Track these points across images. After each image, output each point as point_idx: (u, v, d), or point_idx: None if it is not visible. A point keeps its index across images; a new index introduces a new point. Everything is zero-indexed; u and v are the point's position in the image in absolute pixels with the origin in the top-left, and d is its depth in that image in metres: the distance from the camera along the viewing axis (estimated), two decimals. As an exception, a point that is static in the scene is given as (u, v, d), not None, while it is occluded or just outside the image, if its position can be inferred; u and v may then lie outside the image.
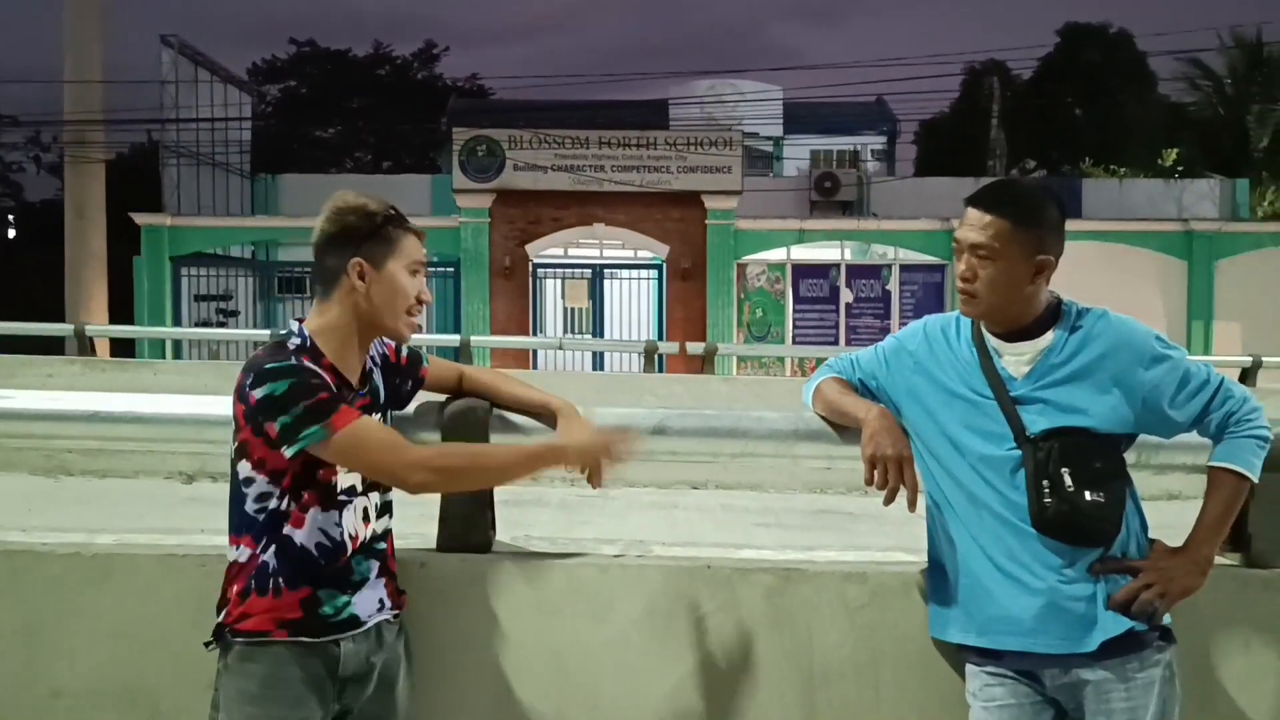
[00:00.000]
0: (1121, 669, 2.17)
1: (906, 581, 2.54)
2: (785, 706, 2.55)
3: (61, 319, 16.07)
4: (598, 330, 19.24)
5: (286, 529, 2.12)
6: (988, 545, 2.23)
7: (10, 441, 3.73)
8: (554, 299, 19.67)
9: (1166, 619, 2.25)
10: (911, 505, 2.29)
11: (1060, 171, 30.05)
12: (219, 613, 2.14)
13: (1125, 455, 2.31)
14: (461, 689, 2.55)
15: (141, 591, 2.54)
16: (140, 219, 19.33)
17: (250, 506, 2.12)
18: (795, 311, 19.66)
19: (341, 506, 2.16)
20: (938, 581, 2.35)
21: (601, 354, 17.58)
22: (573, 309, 19.51)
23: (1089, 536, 2.19)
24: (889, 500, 2.30)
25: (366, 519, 2.22)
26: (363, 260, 2.15)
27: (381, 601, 2.24)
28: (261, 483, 2.12)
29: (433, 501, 2.64)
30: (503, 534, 2.75)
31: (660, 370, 14.00)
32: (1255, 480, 2.26)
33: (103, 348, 14.49)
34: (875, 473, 2.29)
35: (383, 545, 2.28)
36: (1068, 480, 2.16)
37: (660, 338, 17.84)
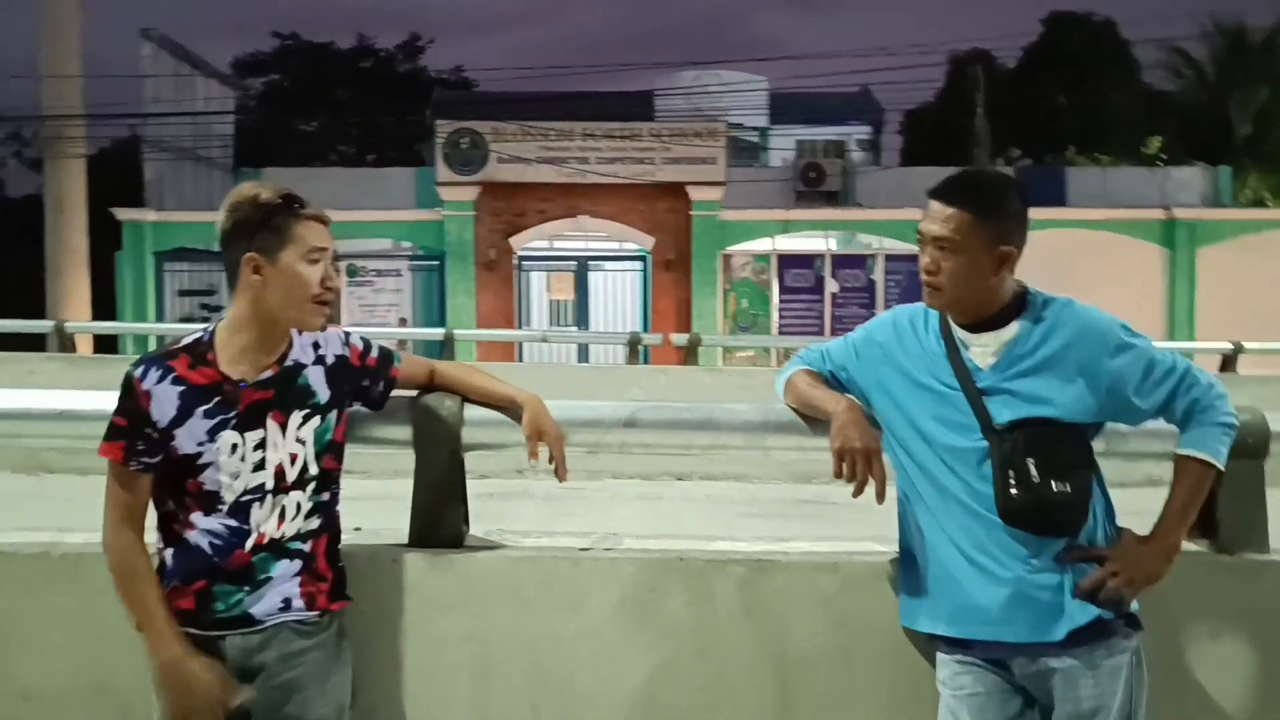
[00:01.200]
0: (1089, 657, 2.19)
1: (878, 571, 2.55)
2: (760, 696, 2.56)
3: (43, 316, 15.98)
4: (583, 322, 19.23)
5: (177, 526, 2.17)
6: (956, 535, 2.24)
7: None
8: (539, 291, 19.66)
9: (1134, 606, 2.26)
10: (880, 497, 2.29)
11: (1044, 160, 30.12)
12: None
13: (1094, 444, 2.32)
14: (436, 682, 2.55)
15: (111, 590, 2.50)
16: (122, 214, 19.23)
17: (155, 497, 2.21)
18: (781, 302, 19.68)
19: (246, 506, 2.17)
20: (908, 571, 2.37)
21: (587, 346, 17.58)
22: (558, 301, 19.50)
23: (1055, 526, 2.20)
24: (857, 492, 2.30)
25: (283, 518, 2.21)
26: (256, 254, 2.15)
27: (288, 601, 2.21)
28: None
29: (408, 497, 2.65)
30: (487, 526, 2.76)
31: (645, 362, 14.00)
32: (1221, 467, 2.27)
33: (85, 344, 14.43)
34: (844, 465, 2.29)
35: (304, 545, 2.24)
36: (1033, 471, 2.16)
37: (646, 329, 17.83)
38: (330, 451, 2.30)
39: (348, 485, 2.42)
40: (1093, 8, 32.73)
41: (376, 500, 2.90)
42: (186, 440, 2.14)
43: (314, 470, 2.25)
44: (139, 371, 2.14)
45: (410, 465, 2.65)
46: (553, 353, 17.17)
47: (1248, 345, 10.16)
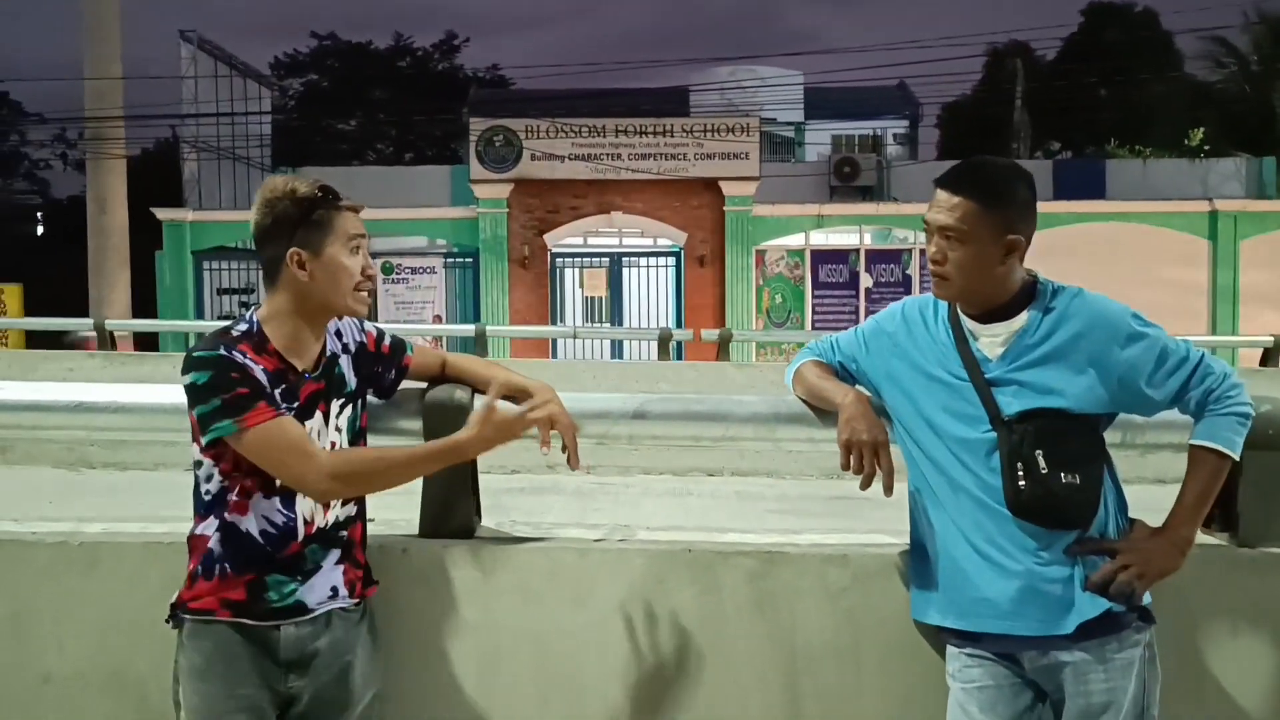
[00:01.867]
0: (1100, 650, 2.16)
1: (888, 564, 2.53)
2: (768, 689, 2.55)
3: (86, 314, 16.25)
4: (617, 319, 19.25)
5: (231, 515, 2.15)
6: (966, 528, 2.22)
7: (9, 434, 3.79)
8: (572, 288, 19.69)
9: (1147, 599, 2.22)
10: (887, 490, 2.28)
11: (1084, 153, 29.74)
12: (182, 586, 2.19)
13: (1107, 435, 2.30)
14: (444, 673, 2.56)
15: (128, 578, 2.56)
16: (162, 214, 19.50)
17: (201, 487, 2.18)
18: (814, 297, 19.59)
19: (293, 494, 2.17)
20: (919, 564, 2.35)
21: (620, 342, 17.60)
22: (591, 298, 19.53)
23: (1064, 519, 2.17)
24: (865, 485, 2.30)
25: (327, 505, 2.22)
26: (299, 249, 2.15)
27: (335, 589, 2.23)
28: (208, 465, 2.16)
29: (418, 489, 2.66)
30: (516, 519, 2.77)
31: (678, 358, 14.00)
32: (1236, 458, 2.22)
33: (126, 342, 14.64)
34: (851, 457, 2.28)
35: (345, 533, 2.27)
36: (1042, 463, 2.14)
37: (679, 325, 17.83)
38: (361, 438, 2.33)
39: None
40: (1133, -2, 32.24)
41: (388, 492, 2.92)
42: None
43: None
44: (223, 350, 2.09)
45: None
46: (586, 349, 17.19)
47: (1290, 339, 9.95)
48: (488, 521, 2.77)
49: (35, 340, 15.43)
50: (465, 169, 19.79)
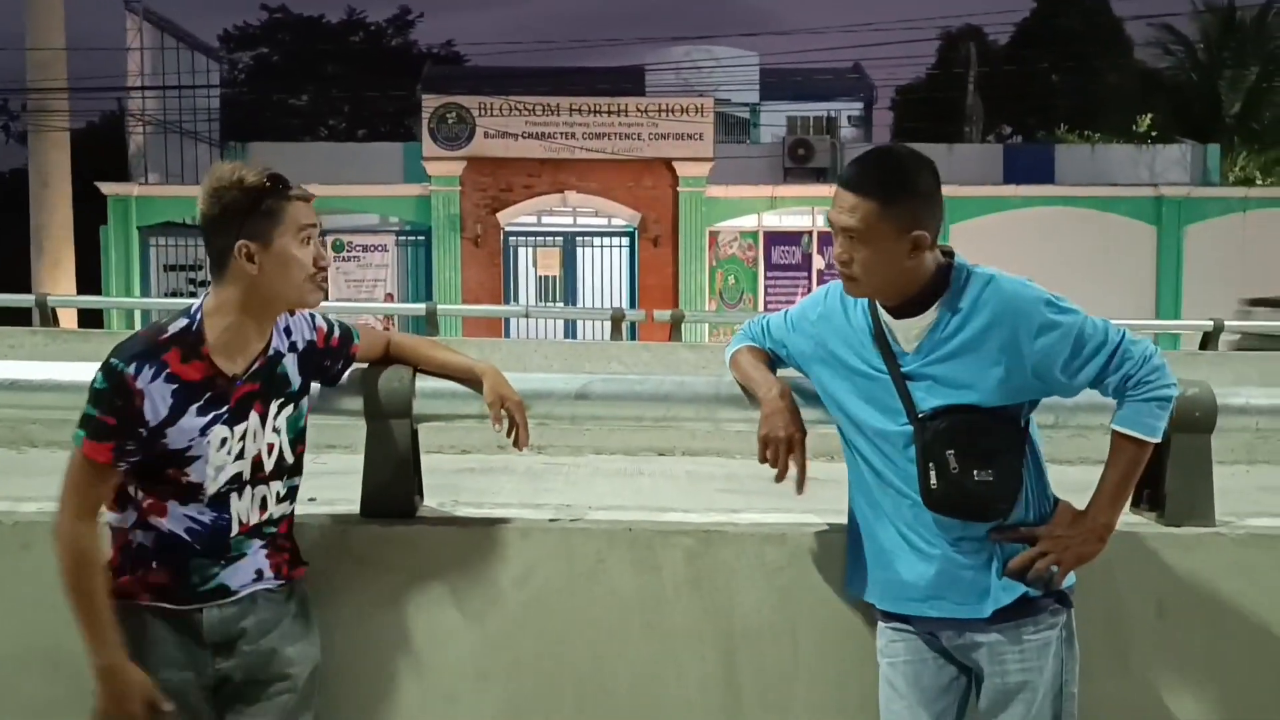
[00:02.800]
0: (1016, 633, 2.19)
1: (825, 543, 2.57)
2: (705, 666, 2.58)
3: (28, 290, 15.92)
4: (570, 298, 19.20)
5: (150, 516, 2.12)
6: (889, 512, 2.26)
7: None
8: (526, 267, 19.61)
9: (1068, 581, 2.26)
10: (798, 488, 2.33)
11: (1035, 137, 30.06)
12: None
13: (1042, 416, 2.33)
14: (385, 653, 2.57)
15: (63, 560, 2.53)
16: (107, 188, 19.11)
17: None
18: (767, 278, 19.66)
19: (225, 496, 2.15)
20: (853, 541, 2.39)
21: (574, 322, 17.56)
22: (545, 277, 19.46)
23: (979, 513, 2.18)
24: (779, 479, 2.33)
25: (264, 507, 2.21)
26: (248, 242, 2.08)
27: (259, 572, 2.22)
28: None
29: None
30: (465, 500, 2.78)
31: (632, 338, 14.00)
32: (1155, 442, 2.22)
33: (69, 318, 14.38)
34: (767, 452, 2.32)
35: (272, 529, 2.26)
36: (953, 462, 2.13)
37: (633, 305, 17.81)
38: (302, 438, 2.30)
39: (332, 459, 2.42)
40: (1085, -16, 32.52)
41: (334, 475, 2.91)
42: (178, 437, 2.08)
43: (289, 459, 2.25)
44: (132, 368, 2.02)
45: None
46: (538, 329, 17.13)
47: (1229, 324, 10.17)
48: (432, 501, 2.78)
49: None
50: (418, 146, 19.59)
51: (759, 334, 2.50)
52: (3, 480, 5.59)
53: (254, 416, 2.17)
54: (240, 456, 2.16)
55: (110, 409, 2.02)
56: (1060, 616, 2.23)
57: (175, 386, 2.06)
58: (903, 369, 2.20)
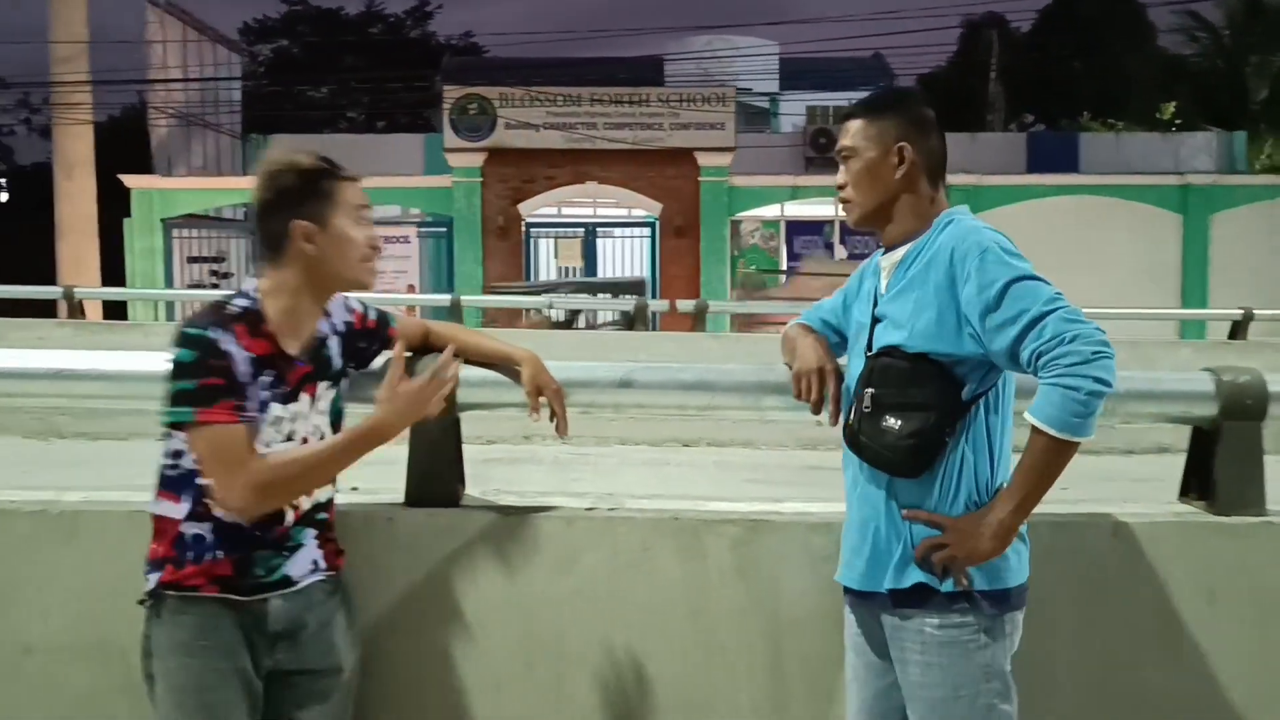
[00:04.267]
0: (918, 620, 2.07)
1: (872, 531, 2.54)
2: (752, 655, 2.57)
3: (53, 282, 16.02)
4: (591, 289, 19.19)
5: (210, 503, 2.09)
6: (845, 466, 2.24)
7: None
8: (547, 258, 19.63)
9: (1018, 582, 2.09)
10: (833, 417, 2.28)
11: (1058, 126, 29.85)
12: (150, 567, 2.15)
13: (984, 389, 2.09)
14: (429, 640, 2.57)
15: (110, 547, 2.54)
16: (130, 181, 19.23)
17: (165, 462, 2.14)
18: (789, 268, 19.62)
19: None
20: None
21: (595, 312, 17.54)
22: (566, 268, 19.46)
23: (886, 464, 2.07)
24: (816, 410, 2.30)
25: (311, 491, 2.21)
26: (306, 222, 2.12)
27: (315, 563, 2.23)
28: (179, 439, 2.10)
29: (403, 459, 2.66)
30: (495, 488, 2.77)
31: (653, 328, 13.98)
32: (1062, 437, 1.94)
33: (94, 310, 14.47)
34: (800, 385, 2.30)
35: (324, 515, 2.27)
36: (867, 401, 2.08)
37: (654, 296, 17.80)
38: (341, 418, 2.31)
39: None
40: (1108, -29, 32.24)
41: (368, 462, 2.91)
42: (249, 403, 2.08)
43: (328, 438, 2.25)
44: (213, 333, 2.03)
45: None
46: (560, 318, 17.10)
47: (1258, 313, 10.07)
48: (471, 491, 2.77)
49: (2, 308, 15.20)
50: (439, 137, 19.63)
51: (810, 312, 2.48)
52: (37, 471, 5.65)
53: (304, 398, 2.19)
54: (289, 439, 2.16)
55: (210, 372, 2.02)
56: (971, 618, 2.04)
57: (249, 355, 2.07)
58: (875, 310, 2.18)
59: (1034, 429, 1.96)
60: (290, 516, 2.18)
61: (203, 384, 2.01)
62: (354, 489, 2.78)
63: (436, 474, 2.63)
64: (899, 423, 2.03)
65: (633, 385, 2.65)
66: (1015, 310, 1.95)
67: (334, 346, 2.27)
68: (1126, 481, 2.44)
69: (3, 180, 34.65)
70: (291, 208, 2.11)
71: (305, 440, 2.19)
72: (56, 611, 2.57)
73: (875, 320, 2.16)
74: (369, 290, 2.28)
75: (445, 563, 2.57)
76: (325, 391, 2.24)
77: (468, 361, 2.55)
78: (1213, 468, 2.69)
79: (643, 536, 2.57)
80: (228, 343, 2.04)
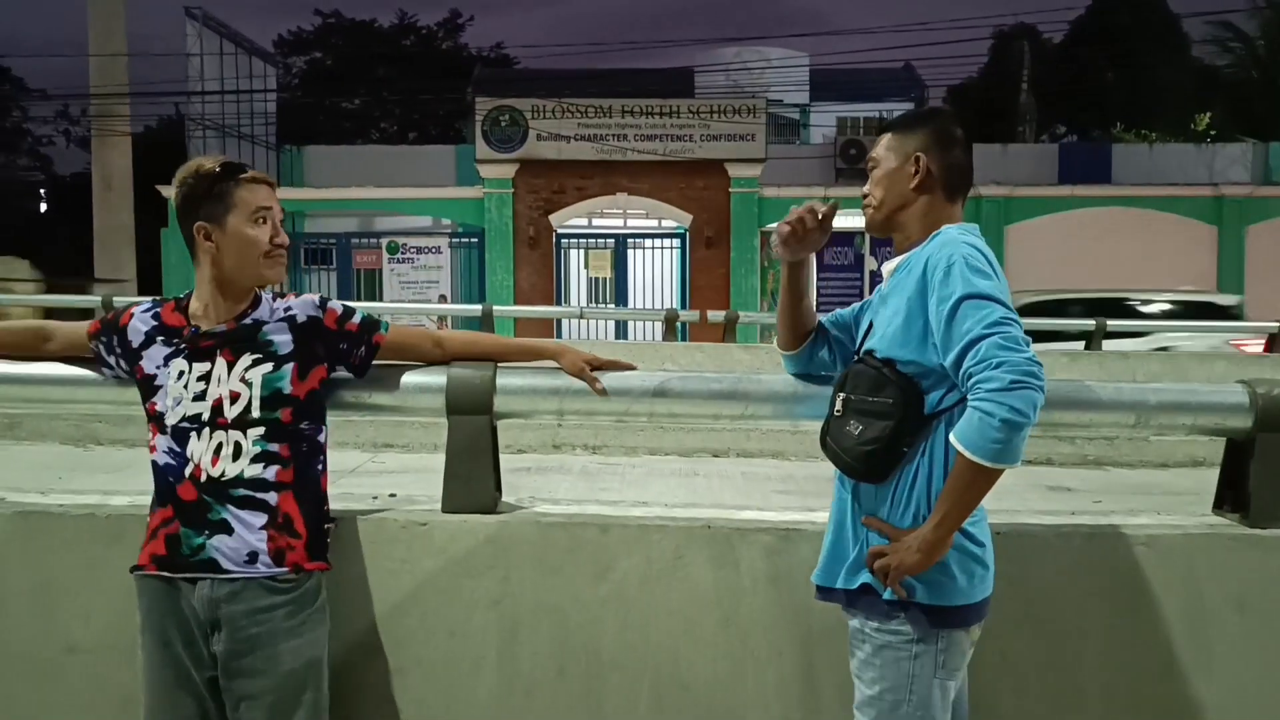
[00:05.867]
0: (864, 622, 2.15)
1: (903, 541, 2.56)
2: (783, 663, 2.59)
3: (91, 291, 16.27)
4: (622, 300, 19.25)
5: (151, 453, 2.34)
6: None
7: (33, 408, 3.81)
8: (577, 269, 19.69)
9: (928, 598, 2.08)
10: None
11: (1091, 137, 29.65)
12: None
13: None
14: (466, 645, 2.60)
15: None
16: (167, 191, 19.41)
17: None
18: (819, 280, 19.57)
19: (185, 433, 2.28)
20: None
21: (624, 323, 17.61)
22: (596, 278, 19.53)
23: (847, 468, 2.15)
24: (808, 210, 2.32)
25: (218, 454, 2.27)
26: (205, 223, 2.31)
27: (254, 554, 2.25)
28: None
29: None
30: (518, 497, 2.81)
31: (683, 339, 14.02)
32: (976, 460, 1.94)
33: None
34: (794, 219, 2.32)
35: (265, 496, 2.28)
36: (838, 404, 2.18)
37: (684, 306, 17.83)
38: (286, 404, 2.32)
39: (390, 458, 2.48)
40: (1141, -19, 32.01)
41: (411, 472, 2.96)
42: (149, 363, 2.35)
43: (256, 414, 2.29)
44: (143, 304, 2.45)
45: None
46: (590, 329, 17.19)
47: (1290, 324, 9.96)
48: (506, 498, 2.81)
49: (39, 317, 15.45)
50: (471, 149, 19.75)
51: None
52: (78, 476, 5.75)
53: (220, 361, 2.31)
54: (201, 398, 2.29)
55: (114, 313, 2.50)
56: (907, 627, 2.09)
57: (156, 324, 2.39)
58: (872, 317, 2.27)
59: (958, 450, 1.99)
60: (189, 469, 2.26)
61: (104, 317, 2.50)
62: (392, 495, 2.83)
63: (473, 481, 2.67)
64: (860, 428, 2.11)
65: (667, 394, 2.68)
66: (961, 328, 1.99)
67: (274, 332, 2.36)
68: (1161, 494, 2.44)
69: (42, 190, 35.19)
70: (194, 210, 2.32)
71: (218, 402, 2.29)
72: (99, 612, 2.63)
73: (870, 327, 2.24)
74: (273, 284, 2.42)
75: (482, 569, 2.60)
76: (252, 364, 2.31)
77: (495, 360, 2.63)
78: (1247, 480, 2.69)
79: (676, 544, 2.60)
80: (139, 310, 2.43)
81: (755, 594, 2.58)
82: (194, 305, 2.37)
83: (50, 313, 11.51)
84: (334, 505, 2.46)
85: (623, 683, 2.60)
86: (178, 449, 2.28)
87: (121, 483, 4.72)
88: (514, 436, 6.25)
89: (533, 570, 2.60)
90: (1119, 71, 29.95)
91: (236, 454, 2.27)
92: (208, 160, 2.33)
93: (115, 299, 11.23)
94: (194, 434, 2.28)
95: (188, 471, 2.27)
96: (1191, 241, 19.20)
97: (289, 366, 2.33)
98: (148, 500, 2.73)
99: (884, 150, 2.27)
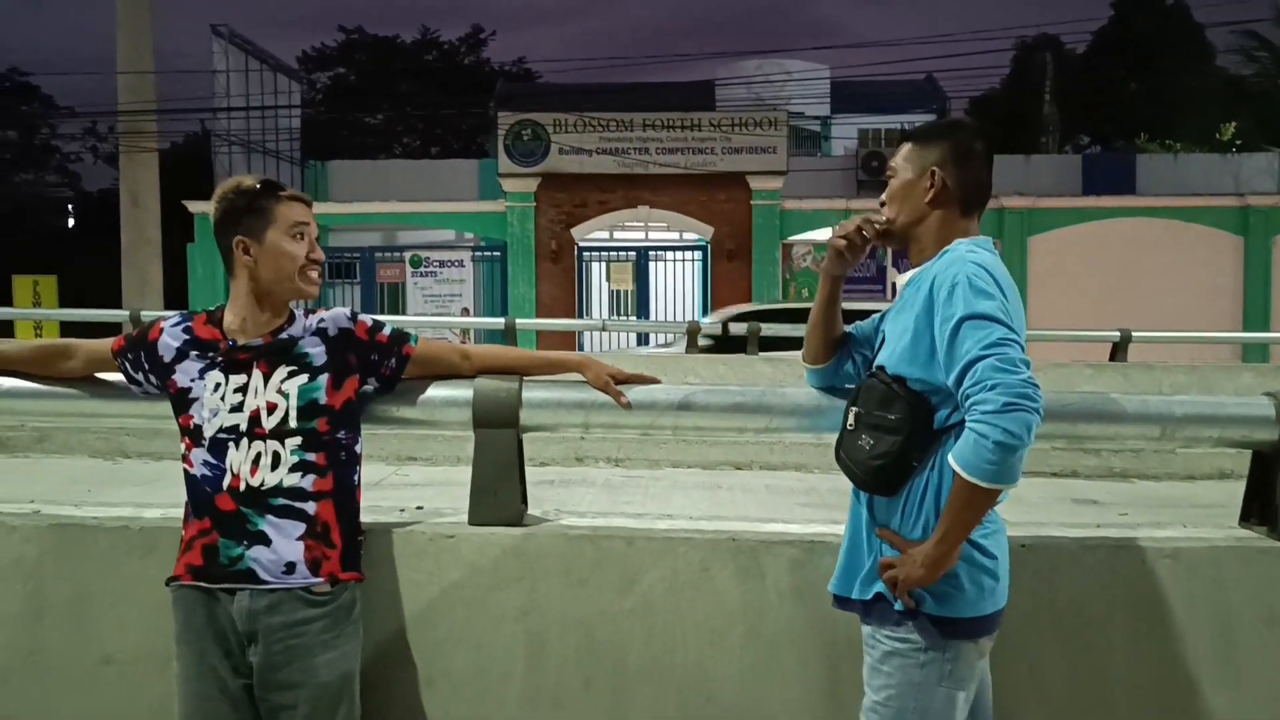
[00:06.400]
0: (876, 630, 2.17)
1: (929, 554, 2.56)
2: (808, 677, 2.59)
3: (119, 305, 16.44)
4: (643, 312, 19.28)
5: (186, 466, 2.36)
6: None
7: (64, 421, 3.87)
8: (599, 281, 19.73)
9: (937, 609, 2.09)
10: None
11: (1114, 147, 29.51)
12: None
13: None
14: (493, 656, 2.62)
15: (186, 563, 2.63)
16: (194, 206, 19.66)
17: None
18: (842, 292, 19.53)
19: (223, 444, 2.31)
20: None
21: (646, 335, 17.63)
22: (618, 291, 19.57)
23: (861, 481, 2.18)
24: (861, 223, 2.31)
25: (257, 464, 2.29)
26: (244, 237, 2.36)
27: (292, 565, 2.28)
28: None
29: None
30: (543, 510, 2.83)
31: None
32: (972, 480, 1.96)
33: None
34: (842, 234, 2.33)
35: (304, 505, 2.31)
36: (850, 419, 2.20)
37: (705, 319, 17.84)
38: (322, 414, 2.35)
39: (414, 471, 2.51)
40: (1164, -10, 31.90)
41: (436, 485, 2.99)
42: (183, 376, 2.38)
43: (294, 424, 2.33)
44: (171, 318, 2.47)
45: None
46: (612, 341, 17.23)
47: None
48: (532, 511, 2.83)
49: (68, 332, 15.62)
50: (493, 163, 19.87)
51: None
52: (108, 489, 5.81)
53: (256, 373, 2.35)
54: (239, 409, 2.32)
55: (143, 330, 2.50)
56: (916, 636, 2.10)
57: (188, 338, 2.41)
58: (883, 329, 2.29)
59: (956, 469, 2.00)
60: (227, 481, 2.29)
61: (130, 334, 2.52)
62: (419, 508, 2.86)
63: (500, 494, 2.69)
64: (871, 442, 2.13)
65: (692, 407, 2.70)
66: (961, 349, 2.00)
67: (310, 345, 2.40)
68: (1187, 507, 2.44)
69: (70, 206, 35.60)
70: (234, 224, 2.36)
71: (256, 413, 2.32)
72: (134, 623, 2.67)
73: (882, 340, 2.26)
74: (309, 298, 2.46)
75: (508, 581, 2.62)
76: (288, 376, 2.35)
77: (523, 373, 2.66)
78: (1274, 492, 2.68)
79: (702, 557, 2.61)
80: (169, 324, 2.45)
81: (781, 607, 2.59)
82: (229, 319, 2.40)
83: (79, 327, 11.63)
84: (362, 518, 2.49)
85: (649, 695, 2.61)
86: (215, 461, 2.31)
87: (152, 495, 4.79)
88: (537, 449, 6.27)
89: (559, 582, 2.62)
90: (1142, 81, 29.82)
91: (275, 463, 2.30)
92: (248, 178, 2.39)
93: (142, 313, 11.34)
94: (232, 445, 2.30)
95: (226, 483, 2.30)
96: (1217, 252, 19.06)
97: (324, 378, 2.38)
98: (179, 513, 2.78)
99: (902, 161, 2.27)
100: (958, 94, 29.76)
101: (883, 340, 2.26)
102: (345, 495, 2.38)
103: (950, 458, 2.01)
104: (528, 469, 2.83)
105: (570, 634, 2.61)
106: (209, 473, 2.31)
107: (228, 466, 2.30)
